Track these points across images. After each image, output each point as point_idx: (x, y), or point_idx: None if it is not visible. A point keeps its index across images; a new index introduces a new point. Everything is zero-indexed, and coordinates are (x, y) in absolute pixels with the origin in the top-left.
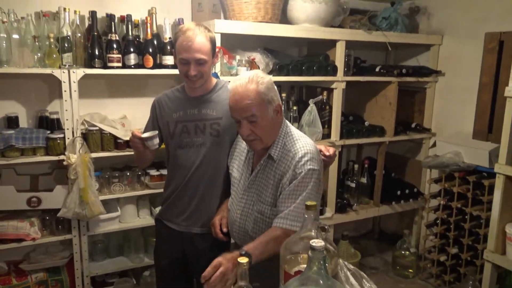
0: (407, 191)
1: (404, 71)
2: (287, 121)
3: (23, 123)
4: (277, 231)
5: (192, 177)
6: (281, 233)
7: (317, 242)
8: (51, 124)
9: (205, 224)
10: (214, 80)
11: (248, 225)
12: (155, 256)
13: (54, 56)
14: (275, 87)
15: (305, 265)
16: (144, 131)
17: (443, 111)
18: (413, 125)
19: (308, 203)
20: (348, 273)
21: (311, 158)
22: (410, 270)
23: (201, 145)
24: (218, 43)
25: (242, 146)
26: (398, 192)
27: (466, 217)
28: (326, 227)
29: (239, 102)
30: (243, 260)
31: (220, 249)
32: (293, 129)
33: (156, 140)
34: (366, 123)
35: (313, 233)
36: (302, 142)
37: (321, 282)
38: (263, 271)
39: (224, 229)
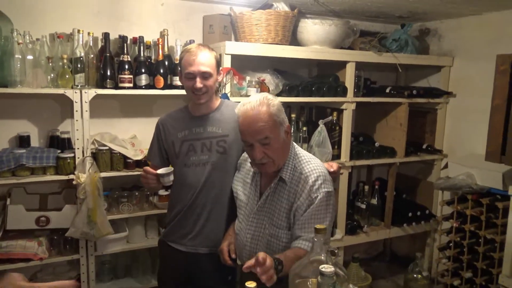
0: (418, 213)
1: (414, 92)
2: (293, 142)
3: (35, 142)
4: (301, 252)
5: (198, 195)
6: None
7: (327, 268)
8: (62, 143)
9: (212, 244)
10: (219, 100)
11: (259, 249)
12: (159, 279)
13: (67, 76)
14: (283, 109)
15: None
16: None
17: (454, 132)
18: (424, 146)
19: (318, 226)
20: None
21: (324, 180)
22: None
23: (207, 163)
24: (228, 64)
25: (246, 168)
26: (410, 214)
27: (480, 240)
28: (335, 251)
29: (252, 125)
30: (251, 285)
31: (227, 269)
32: (300, 150)
33: (172, 176)
34: (377, 144)
35: (322, 257)
36: (313, 165)
37: None
38: None
39: (233, 256)
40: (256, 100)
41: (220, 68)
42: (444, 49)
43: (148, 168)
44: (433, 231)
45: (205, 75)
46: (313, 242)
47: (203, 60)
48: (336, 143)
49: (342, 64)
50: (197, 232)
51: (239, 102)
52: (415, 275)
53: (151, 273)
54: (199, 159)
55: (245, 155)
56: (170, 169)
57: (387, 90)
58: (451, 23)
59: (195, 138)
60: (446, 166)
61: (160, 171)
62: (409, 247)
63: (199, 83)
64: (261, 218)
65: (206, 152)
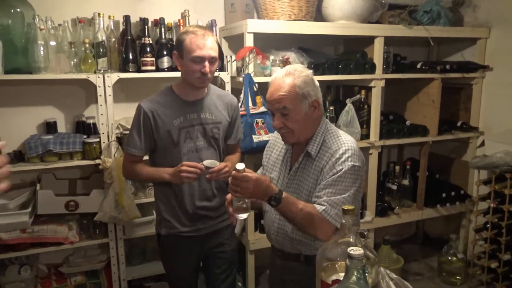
0: (453, 193)
1: (448, 67)
2: (327, 119)
3: (61, 128)
4: (314, 210)
5: (196, 181)
6: (316, 215)
7: (356, 250)
8: (88, 128)
9: (216, 223)
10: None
11: (288, 225)
12: (171, 269)
13: (90, 61)
14: (316, 82)
15: (343, 274)
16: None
17: (491, 108)
18: (458, 124)
19: (346, 207)
20: (391, 283)
21: (353, 154)
22: (457, 277)
23: (202, 148)
24: (251, 43)
25: (278, 146)
26: (444, 195)
27: None
28: (365, 232)
29: (273, 93)
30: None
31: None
32: (333, 127)
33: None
34: (408, 123)
35: (351, 239)
36: (343, 139)
37: None
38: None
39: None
40: (284, 70)
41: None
42: (479, 20)
43: (189, 163)
44: (469, 212)
45: (212, 60)
46: (342, 223)
47: (212, 44)
48: (365, 122)
49: (370, 40)
50: (203, 215)
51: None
52: (449, 257)
53: None
54: (196, 145)
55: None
56: (215, 162)
57: (418, 66)
58: None
59: (190, 124)
60: (482, 144)
61: (207, 163)
62: (442, 229)
63: (207, 69)
64: (290, 193)
65: (201, 138)
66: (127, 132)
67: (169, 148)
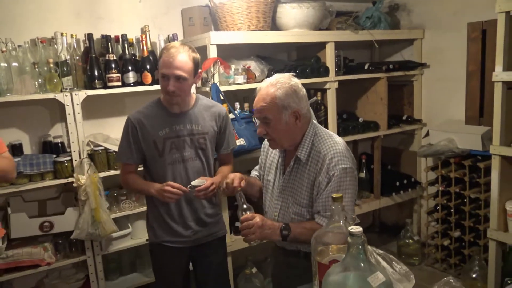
0: (405, 181)
1: (391, 66)
2: (316, 122)
3: (27, 149)
4: (317, 226)
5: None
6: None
7: (356, 228)
8: (56, 148)
9: (207, 233)
10: (194, 96)
11: None
12: (158, 276)
13: (55, 80)
14: (300, 92)
15: (336, 255)
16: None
17: (431, 101)
18: (404, 118)
19: (335, 195)
20: (379, 257)
21: (340, 157)
22: (415, 258)
23: (189, 159)
24: (214, 54)
25: (274, 150)
26: (397, 183)
27: (465, 200)
28: (354, 217)
29: (256, 103)
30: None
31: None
32: (321, 129)
33: None
34: (360, 120)
35: (341, 224)
36: (330, 142)
37: (362, 265)
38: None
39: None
40: (268, 80)
41: (199, 70)
42: (414, 23)
43: (173, 183)
44: (419, 197)
45: (178, 78)
46: (331, 210)
47: (179, 63)
48: (323, 122)
49: (321, 45)
50: (189, 225)
51: (203, 96)
52: (407, 241)
53: None
54: (182, 155)
55: None
56: (202, 181)
57: (366, 67)
58: None
59: (176, 135)
60: (427, 134)
61: (195, 183)
62: (397, 216)
63: (171, 86)
64: (285, 197)
65: (188, 149)
66: (98, 148)
67: (155, 158)
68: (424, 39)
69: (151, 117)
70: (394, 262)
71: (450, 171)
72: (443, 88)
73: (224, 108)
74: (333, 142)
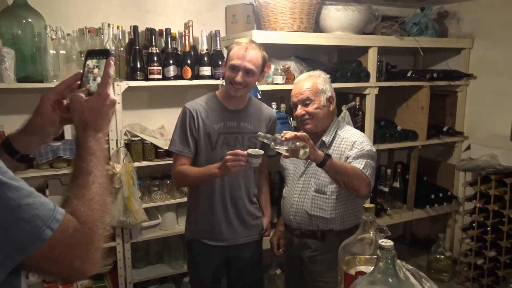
0: (440, 194)
1: (435, 75)
2: (338, 119)
3: (68, 135)
4: (355, 167)
5: (229, 188)
6: (358, 169)
7: (386, 242)
8: None
9: (247, 233)
10: (248, 96)
11: (306, 205)
12: (193, 270)
13: None
14: (330, 84)
15: (363, 267)
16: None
17: (475, 114)
18: (445, 129)
19: (366, 205)
20: (408, 273)
21: (368, 142)
22: (445, 274)
23: None
24: None
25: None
26: (432, 196)
27: (504, 219)
28: (384, 228)
29: (299, 88)
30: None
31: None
32: (344, 124)
33: (261, 159)
34: (399, 128)
35: (371, 235)
36: (355, 131)
37: (390, 281)
38: None
39: (281, 249)
40: (307, 73)
41: (265, 70)
42: (463, 31)
43: (231, 151)
44: (455, 213)
45: (248, 72)
46: (362, 220)
47: (252, 57)
48: (359, 128)
49: (363, 50)
50: (230, 224)
51: (253, 97)
52: (438, 256)
53: (182, 259)
54: None
55: None
56: (259, 151)
57: (408, 74)
58: (470, 5)
59: (229, 131)
60: (468, 148)
61: (251, 151)
62: (429, 229)
63: (239, 78)
64: (307, 179)
65: (238, 146)
66: (135, 138)
67: (206, 151)
68: (473, 48)
69: (208, 109)
70: (423, 279)
71: (490, 188)
72: (489, 101)
73: (274, 111)
74: (357, 131)
